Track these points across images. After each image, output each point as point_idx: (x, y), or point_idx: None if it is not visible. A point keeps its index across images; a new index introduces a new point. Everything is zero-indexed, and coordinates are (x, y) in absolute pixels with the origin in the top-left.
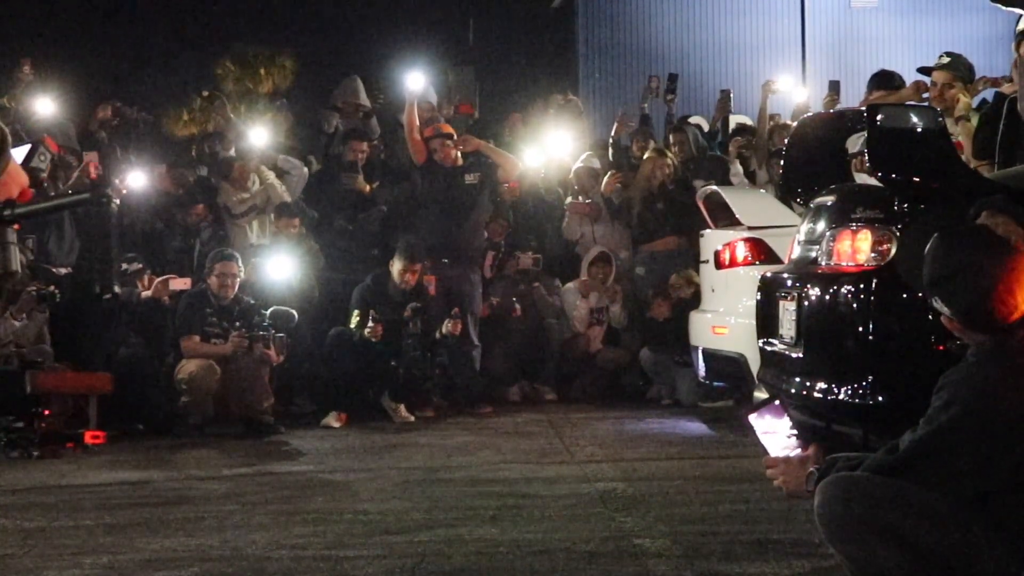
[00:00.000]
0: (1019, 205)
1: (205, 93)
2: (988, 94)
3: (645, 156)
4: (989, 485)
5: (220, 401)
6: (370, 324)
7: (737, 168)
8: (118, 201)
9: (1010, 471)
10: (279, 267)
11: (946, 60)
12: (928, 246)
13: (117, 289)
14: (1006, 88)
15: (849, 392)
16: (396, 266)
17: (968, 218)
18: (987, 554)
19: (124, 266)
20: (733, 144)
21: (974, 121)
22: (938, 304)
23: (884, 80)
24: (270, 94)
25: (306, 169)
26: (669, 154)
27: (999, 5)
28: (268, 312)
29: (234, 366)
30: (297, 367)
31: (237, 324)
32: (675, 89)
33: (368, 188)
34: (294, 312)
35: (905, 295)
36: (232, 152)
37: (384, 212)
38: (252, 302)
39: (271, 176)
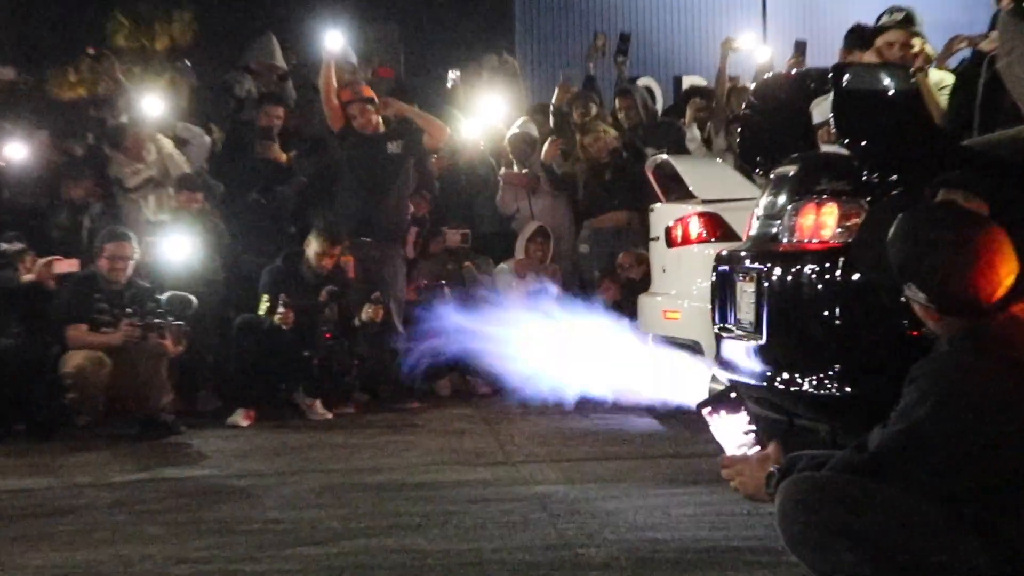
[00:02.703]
0: (980, 177)
1: (92, 51)
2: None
3: (586, 126)
4: (968, 485)
5: (112, 398)
6: (280, 310)
7: (694, 134)
8: None
9: (990, 469)
10: (178, 247)
11: (899, 16)
12: (893, 228)
13: None
14: (985, 45)
15: (814, 383)
16: (313, 247)
17: (925, 197)
18: (965, 560)
19: (3, 246)
20: (690, 107)
21: (935, 76)
22: (911, 291)
23: (862, 38)
24: (167, 52)
25: (208, 138)
26: (604, 127)
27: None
28: (164, 297)
29: (127, 358)
30: (199, 359)
31: (129, 311)
32: (627, 50)
33: (285, 158)
34: (192, 298)
35: (876, 275)
36: (124, 118)
37: (305, 183)
38: (147, 286)
39: (169, 145)
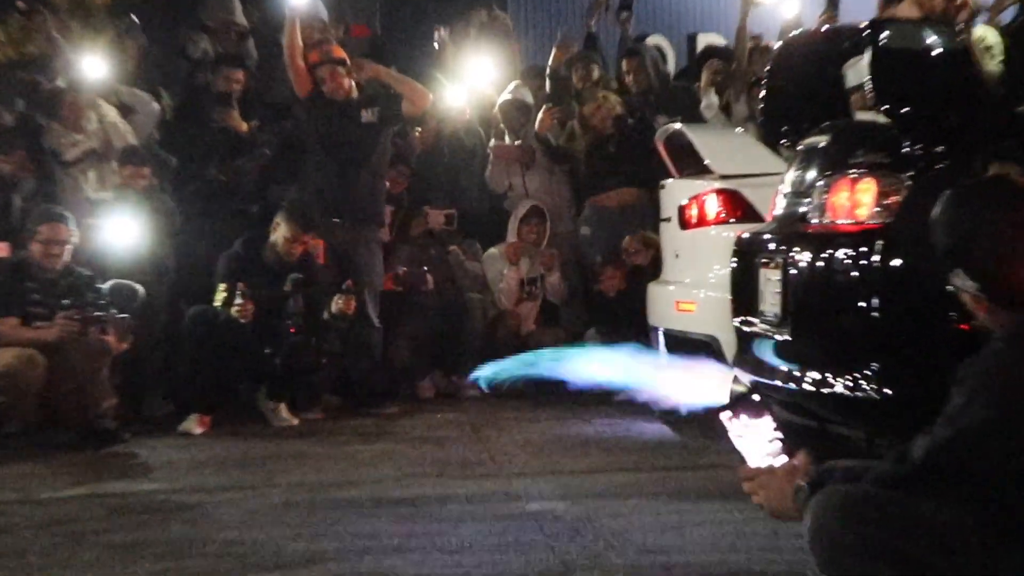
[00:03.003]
0: None
1: (22, 5)
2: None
3: (586, 92)
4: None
5: (46, 402)
6: (238, 301)
7: (711, 100)
8: None
9: None
10: (123, 229)
11: None
12: (939, 207)
13: None
14: None
15: (848, 383)
16: (281, 231)
17: (974, 171)
18: None
19: None
20: (706, 69)
21: (976, 34)
22: (959, 279)
23: None
24: (111, 7)
25: (157, 104)
26: (607, 93)
27: None
28: (107, 287)
29: (63, 356)
30: (147, 357)
31: (66, 302)
32: (631, 5)
33: (246, 127)
34: (139, 287)
35: (919, 260)
36: (60, 82)
37: (268, 156)
38: (87, 274)
39: (112, 113)
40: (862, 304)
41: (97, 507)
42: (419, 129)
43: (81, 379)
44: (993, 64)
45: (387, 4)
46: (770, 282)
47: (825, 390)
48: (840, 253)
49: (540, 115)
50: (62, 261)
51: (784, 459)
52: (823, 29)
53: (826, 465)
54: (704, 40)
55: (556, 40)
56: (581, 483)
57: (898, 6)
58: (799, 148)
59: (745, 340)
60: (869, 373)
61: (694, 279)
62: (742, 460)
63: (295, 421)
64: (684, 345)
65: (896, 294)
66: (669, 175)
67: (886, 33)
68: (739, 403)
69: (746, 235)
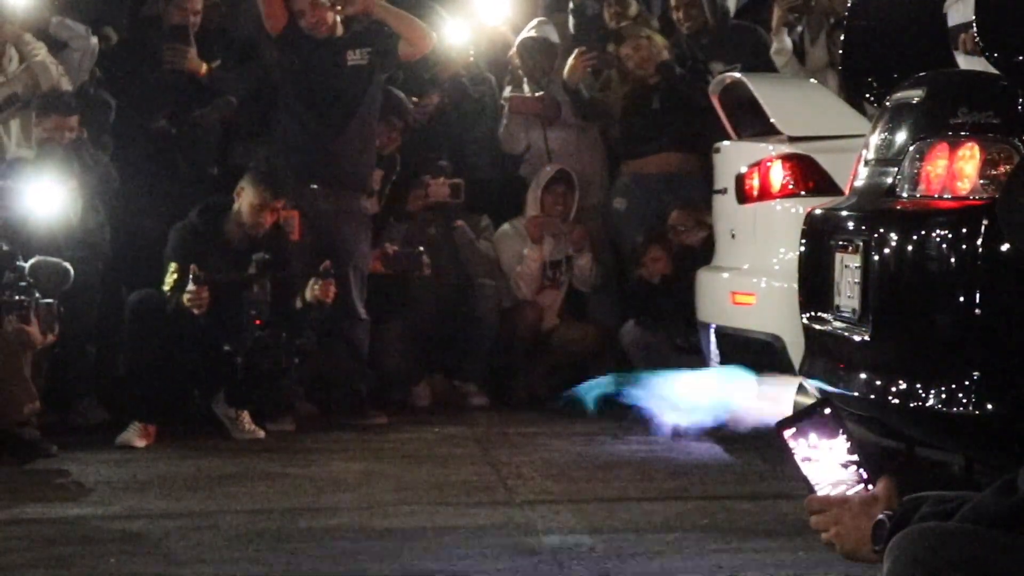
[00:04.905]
0: None
1: None
2: None
3: (623, 31)
4: None
5: None
6: (191, 286)
7: (782, 43)
8: None
9: None
10: (48, 194)
11: None
12: None
13: None
14: None
15: (943, 396)
16: (247, 198)
17: None
18: None
19: None
20: (778, 5)
21: None
22: None
23: None
24: None
25: (94, 39)
26: (649, 32)
27: None
28: (28, 265)
29: None
30: (77, 353)
31: None
32: None
33: (205, 69)
34: (68, 266)
35: None
36: None
37: (232, 106)
38: (3, 249)
39: (42, 50)
40: (961, 299)
41: (16, 536)
42: (415, 100)
43: None
44: None
45: None
46: (848, 270)
47: (913, 404)
48: (935, 235)
49: (571, 60)
50: None
51: (860, 488)
52: None
53: (913, 496)
54: None
55: None
56: (611, 513)
57: None
58: (887, 104)
59: (815, 341)
60: (968, 384)
61: (754, 265)
62: (809, 489)
63: (260, 434)
64: (740, 346)
65: (1003, 287)
66: (725, 136)
67: None
68: (806, 419)
69: (819, 211)
